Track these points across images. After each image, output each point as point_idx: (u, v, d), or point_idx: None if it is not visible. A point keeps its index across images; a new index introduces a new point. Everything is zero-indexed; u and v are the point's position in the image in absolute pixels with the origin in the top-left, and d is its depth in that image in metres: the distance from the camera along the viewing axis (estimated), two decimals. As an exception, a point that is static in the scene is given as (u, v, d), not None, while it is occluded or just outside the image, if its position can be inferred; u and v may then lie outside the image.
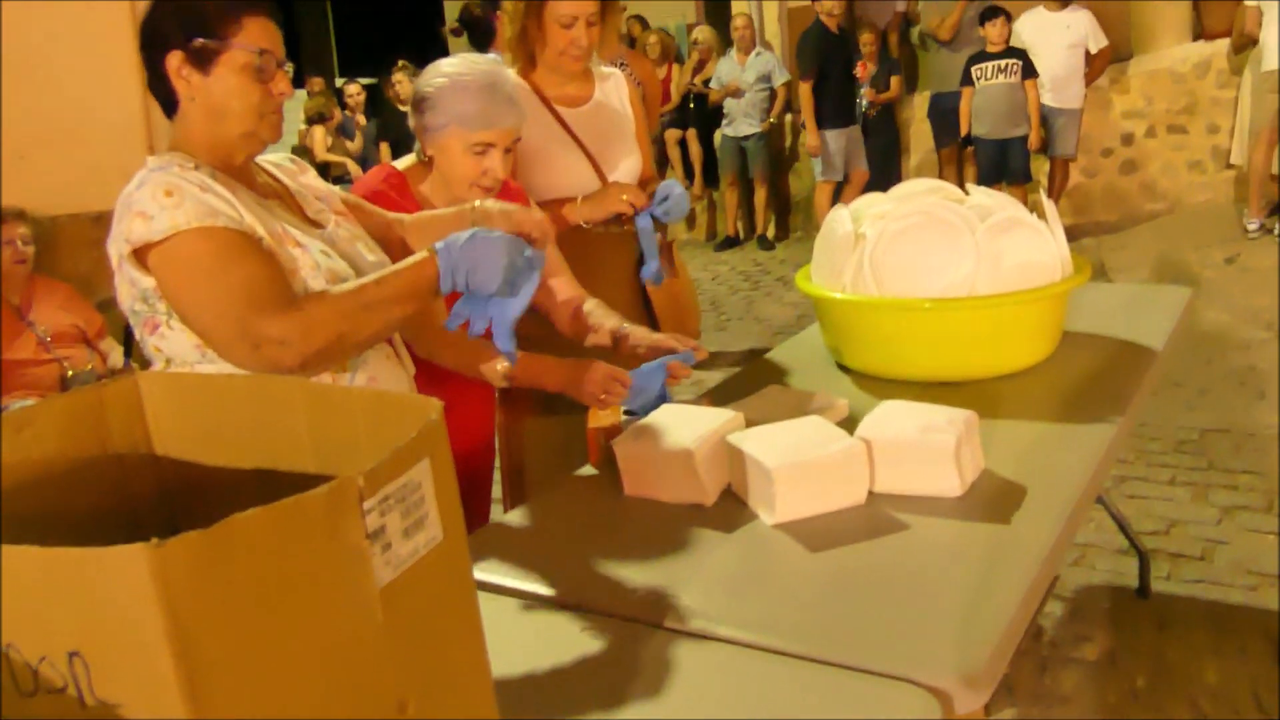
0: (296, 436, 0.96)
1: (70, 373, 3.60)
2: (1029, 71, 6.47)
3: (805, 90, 7.03)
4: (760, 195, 8.13)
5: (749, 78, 7.86)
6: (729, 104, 7.96)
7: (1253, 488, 3.33)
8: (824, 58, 6.95)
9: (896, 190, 2.27)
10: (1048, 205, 2.11)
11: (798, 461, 1.52)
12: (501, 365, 1.86)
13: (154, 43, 1.44)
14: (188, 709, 0.63)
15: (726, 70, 7.98)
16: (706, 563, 1.45)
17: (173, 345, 1.44)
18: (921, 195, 2.17)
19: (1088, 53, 6.67)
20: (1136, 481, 3.46)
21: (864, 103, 7.27)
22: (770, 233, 8.26)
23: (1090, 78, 6.75)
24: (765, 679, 1.17)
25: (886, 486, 1.58)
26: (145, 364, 1.53)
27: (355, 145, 8.27)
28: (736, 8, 8.67)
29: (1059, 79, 6.59)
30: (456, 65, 1.93)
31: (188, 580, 0.63)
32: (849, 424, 1.67)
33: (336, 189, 1.75)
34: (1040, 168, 6.90)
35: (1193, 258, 5.93)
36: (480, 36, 4.80)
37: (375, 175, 2.04)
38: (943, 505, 1.54)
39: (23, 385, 3.50)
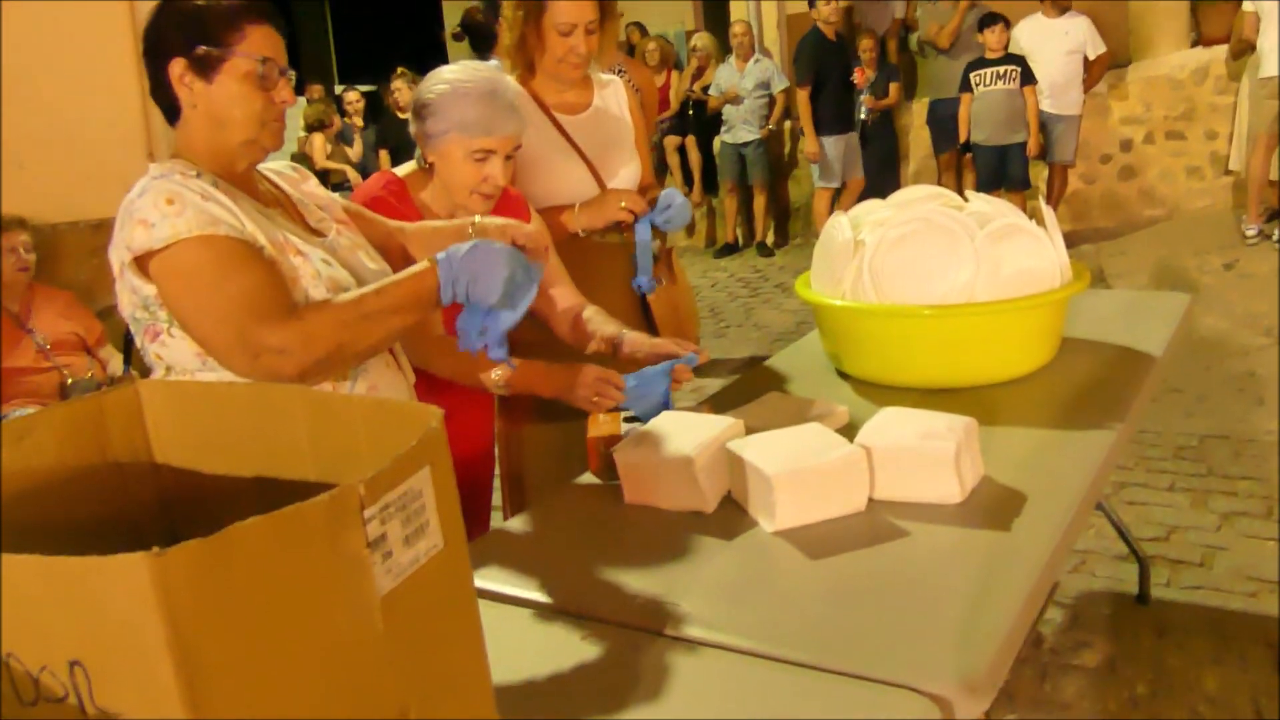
0: (297, 445, 0.96)
1: (70, 380, 3.59)
2: (1028, 78, 6.48)
3: (803, 97, 7.05)
4: (759, 202, 8.13)
5: (748, 84, 7.88)
6: (728, 111, 7.97)
7: (1252, 494, 3.33)
8: (821, 65, 6.96)
9: (895, 197, 2.27)
10: (1046, 212, 2.11)
11: (798, 469, 1.52)
12: (496, 373, 1.86)
13: (157, 50, 1.45)
14: (189, 718, 0.63)
15: (725, 77, 7.99)
16: (706, 570, 1.45)
17: (173, 353, 1.44)
18: (920, 202, 2.17)
19: (1086, 59, 6.68)
20: (1136, 488, 3.46)
21: (863, 110, 7.28)
22: (769, 239, 8.26)
23: (1089, 84, 6.76)
24: (765, 686, 1.17)
25: (886, 493, 1.58)
26: (145, 371, 1.53)
27: (355, 152, 8.28)
28: (735, 14, 8.69)
29: (1057, 85, 6.60)
30: (457, 72, 1.93)
31: (188, 589, 0.63)
32: (849, 431, 1.68)
33: (338, 197, 1.75)
34: (1039, 174, 6.92)
35: (1191, 264, 5.94)
36: (481, 42, 4.82)
37: (375, 182, 2.04)
38: (943, 512, 1.54)
39: (22, 393, 3.50)
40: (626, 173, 2.38)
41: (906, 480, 1.57)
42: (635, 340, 1.99)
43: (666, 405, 1.88)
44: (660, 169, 8.55)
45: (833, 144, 7.08)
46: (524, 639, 1.32)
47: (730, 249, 8.37)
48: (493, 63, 2.21)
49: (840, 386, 2.15)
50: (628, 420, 1.88)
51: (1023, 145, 6.51)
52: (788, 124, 8.21)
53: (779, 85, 7.94)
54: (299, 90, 1.60)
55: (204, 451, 1.01)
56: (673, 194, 2.30)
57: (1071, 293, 2.06)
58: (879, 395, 1.99)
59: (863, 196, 4.61)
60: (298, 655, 0.69)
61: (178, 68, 1.43)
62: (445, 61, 2.04)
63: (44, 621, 0.66)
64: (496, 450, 2.30)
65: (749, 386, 2.18)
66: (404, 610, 0.77)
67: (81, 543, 0.70)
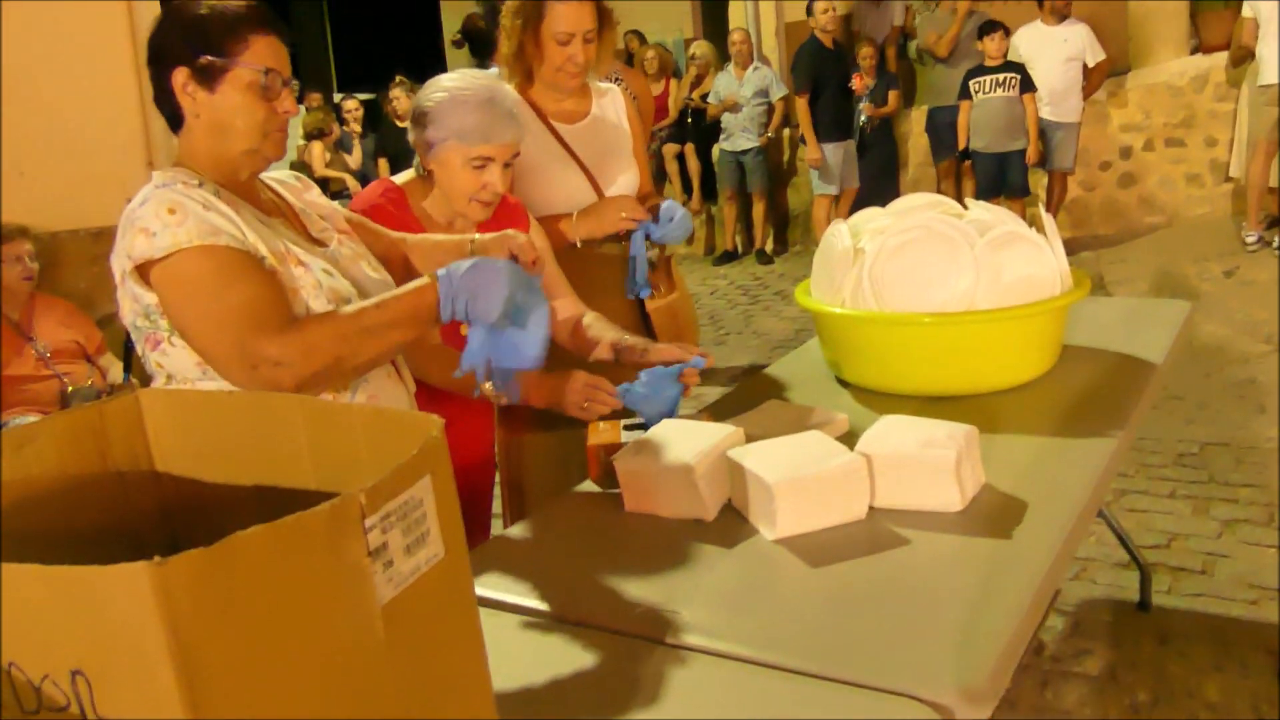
0: (297, 453, 0.96)
1: (70, 388, 3.60)
2: (1027, 85, 6.49)
3: (802, 105, 7.07)
4: (758, 209, 8.14)
5: (746, 92, 7.89)
6: (727, 119, 7.99)
7: (1253, 501, 3.33)
8: (818, 72, 6.98)
9: (895, 205, 2.27)
10: (1046, 219, 2.11)
11: (798, 477, 1.52)
12: (488, 385, 1.86)
13: (160, 58, 1.45)
14: (190, 727, 0.63)
15: (724, 85, 8.01)
16: (707, 578, 1.45)
17: (174, 361, 1.44)
18: (920, 210, 2.17)
19: (1085, 66, 6.69)
20: (1137, 495, 3.46)
21: (863, 117, 7.29)
22: (769, 247, 8.27)
23: (1088, 91, 6.77)
24: (766, 695, 1.17)
25: (887, 501, 1.58)
26: (145, 380, 1.53)
27: (354, 160, 8.28)
28: (734, 22, 8.70)
29: (1057, 93, 6.61)
30: (456, 80, 1.94)
31: (190, 598, 0.63)
32: (849, 439, 1.68)
33: (340, 206, 1.75)
34: (1038, 181, 6.92)
35: (1191, 271, 5.94)
36: (482, 48, 4.82)
37: (374, 190, 2.05)
38: (943, 520, 1.54)
39: (22, 401, 3.51)
40: (624, 181, 2.39)
41: (907, 488, 1.57)
42: (637, 347, 1.99)
43: (675, 408, 1.88)
44: (659, 177, 8.56)
45: (832, 151, 7.09)
46: (524, 647, 1.32)
47: (729, 256, 8.37)
48: (493, 70, 2.21)
49: (840, 394, 2.15)
50: (631, 426, 1.88)
51: (1022, 153, 6.52)
52: (786, 132, 8.22)
53: (778, 93, 7.96)
54: (298, 98, 1.61)
55: (205, 460, 1.01)
56: (673, 207, 2.30)
57: (1072, 300, 2.06)
58: (879, 403, 1.99)
59: (861, 204, 4.61)
60: (299, 664, 0.69)
61: (181, 77, 1.43)
62: (444, 69, 2.04)
63: (45, 631, 0.66)
64: (496, 458, 2.30)
65: (749, 394, 2.18)
66: (405, 619, 0.77)
67: (82, 552, 0.70)
